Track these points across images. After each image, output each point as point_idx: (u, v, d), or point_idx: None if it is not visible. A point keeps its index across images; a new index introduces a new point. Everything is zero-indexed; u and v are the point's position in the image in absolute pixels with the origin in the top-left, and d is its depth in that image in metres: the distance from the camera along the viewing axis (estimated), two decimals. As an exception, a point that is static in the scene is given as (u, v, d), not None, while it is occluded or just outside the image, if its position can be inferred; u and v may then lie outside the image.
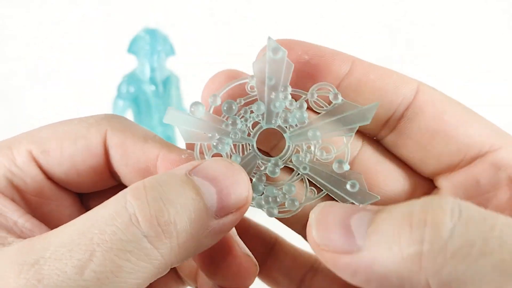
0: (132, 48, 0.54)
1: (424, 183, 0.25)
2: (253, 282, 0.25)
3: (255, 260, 0.25)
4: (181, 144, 0.55)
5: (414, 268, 0.17)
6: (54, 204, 0.25)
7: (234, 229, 0.25)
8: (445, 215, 0.17)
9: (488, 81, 0.71)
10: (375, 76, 0.23)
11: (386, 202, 0.24)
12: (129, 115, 0.55)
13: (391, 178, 0.24)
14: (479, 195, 0.23)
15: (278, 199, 0.24)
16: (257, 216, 0.28)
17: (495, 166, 0.23)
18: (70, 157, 0.24)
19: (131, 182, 0.25)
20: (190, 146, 0.25)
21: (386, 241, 0.18)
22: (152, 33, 0.53)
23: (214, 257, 0.24)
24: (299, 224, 0.26)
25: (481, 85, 0.70)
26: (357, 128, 0.23)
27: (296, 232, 0.26)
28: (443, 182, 0.24)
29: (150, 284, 0.27)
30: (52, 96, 0.71)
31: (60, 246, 0.19)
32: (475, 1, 0.77)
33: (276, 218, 0.25)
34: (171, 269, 0.28)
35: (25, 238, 0.22)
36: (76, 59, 0.73)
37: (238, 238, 0.25)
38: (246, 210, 0.22)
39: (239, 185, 0.21)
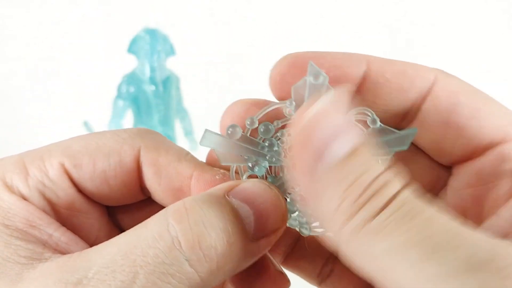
0: (132, 48, 0.54)
1: (446, 171, 0.25)
2: None
3: (287, 276, 0.25)
4: (181, 143, 0.55)
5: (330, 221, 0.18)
6: (84, 217, 0.25)
7: None
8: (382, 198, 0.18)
9: (488, 81, 0.71)
10: (391, 75, 0.23)
11: None
12: (129, 115, 0.55)
13: (414, 170, 0.25)
14: (480, 185, 0.23)
15: (311, 219, 0.24)
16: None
17: (501, 157, 0.23)
18: (102, 172, 0.24)
19: (163, 199, 0.25)
20: (222, 166, 0.25)
21: (324, 190, 0.18)
22: (152, 33, 0.53)
23: (248, 275, 0.24)
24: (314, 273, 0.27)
25: (481, 85, 0.70)
26: (393, 153, 0.23)
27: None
28: (455, 170, 0.24)
29: None
30: (52, 96, 0.71)
31: (102, 266, 0.19)
32: (475, 1, 0.77)
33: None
34: None
35: (61, 252, 0.22)
36: (76, 59, 0.73)
37: (271, 256, 0.25)
38: (281, 233, 0.22)
39: (276, 209, 0.22)
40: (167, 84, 0.55)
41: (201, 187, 0.23)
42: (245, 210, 0.21)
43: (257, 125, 0.24)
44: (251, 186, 0.22)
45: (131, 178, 0.24)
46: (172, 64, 0.55)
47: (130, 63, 0.55)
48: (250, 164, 0.24)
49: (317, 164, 0.18)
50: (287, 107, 0.24)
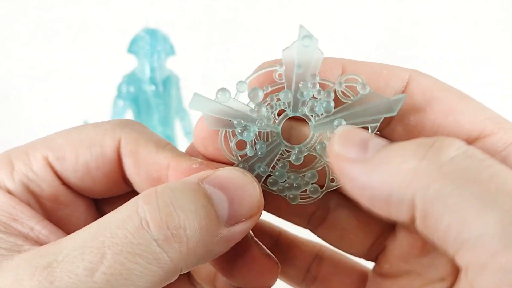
0: (132, 48, 0.54)
1: None
2: (275, 282, 0.25)
3: (275, 259, 0.25)
4: (181, 143, 0.55)
5: (405, 182, 0.19)
6: (69, 210, 0.25)
7: (251, 231, 0.25)
8: (452, 146, 0.19)
9: (488, 81, 0.72)
10: (366, 77, 0.24)
11: None
12: (129, 115, 0.55)
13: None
14: None
15: (300, 186, 0.24)
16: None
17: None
18: (85, 164, 0.24)
19: (143, 190, 0.25)
20: (200, 156, 0.25)
21: (391, 156, 0.19)
22: (152, 33, 0.53)
23: (232, 259, 0.24)
24: (304, 218, 0.26)
25: (481, 85, 0.70)
26: (382, 119, 0.23)
27: (302, 226, 0.27)
28: None
29: None
30: (52, 96, 0.71)
31: (73, 249, 0.19)
32: (475, 1, 0.77)
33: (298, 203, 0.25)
34: (184, 277, 0.28)
35: (41, 244, 0.22)
36: (76, 59, 0.73)
37: (256, 239, 0.25)
38: (257, 219, 0.22)
39: (251, 195, 0.22)
40: (167, 84, 0.55)
41: (178, 177, 0.23)
42: (218, 196, 0.21)
43: (246, 90, 0.23)
44: (225, 173, 0.22)
45: (113, 169, 0.25)
46: (172, 64, 0.55)
47: (130, 63, 0.55)
48: (238, 129, 0.24)
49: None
50: (277, 71, 0.24)
